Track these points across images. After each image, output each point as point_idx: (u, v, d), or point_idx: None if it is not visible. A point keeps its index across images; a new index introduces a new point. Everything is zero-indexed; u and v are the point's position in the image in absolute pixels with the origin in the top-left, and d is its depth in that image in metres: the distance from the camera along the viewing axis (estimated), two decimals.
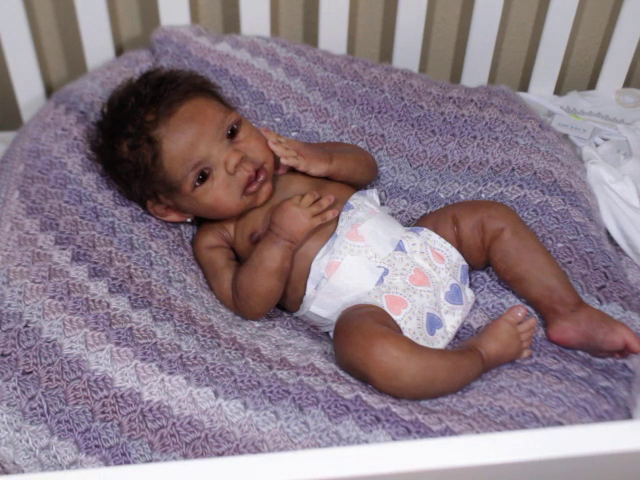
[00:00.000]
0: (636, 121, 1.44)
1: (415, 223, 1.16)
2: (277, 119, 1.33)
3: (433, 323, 1.03)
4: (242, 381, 0.92)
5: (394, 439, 0.86)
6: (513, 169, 1.21)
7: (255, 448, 0.86)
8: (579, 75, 1.62)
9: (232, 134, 1.10)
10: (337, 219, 1.09)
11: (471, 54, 1.48)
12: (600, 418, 0.91)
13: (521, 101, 1.35)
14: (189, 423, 0.88)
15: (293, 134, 1.32)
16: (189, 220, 1.18)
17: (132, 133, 1.09)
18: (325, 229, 1.08)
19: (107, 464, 0.86)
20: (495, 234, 1.07)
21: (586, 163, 1.29)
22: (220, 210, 1.11)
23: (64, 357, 0.92)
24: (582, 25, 1.54)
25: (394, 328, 0.99)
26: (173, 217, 1.16)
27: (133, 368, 0.91)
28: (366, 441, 0.86)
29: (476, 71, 1.50)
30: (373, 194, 1.17)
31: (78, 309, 0.96)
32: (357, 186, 1.20)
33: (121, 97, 1.13)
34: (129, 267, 1.06)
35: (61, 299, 0.97)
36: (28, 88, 1.41)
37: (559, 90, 1.60)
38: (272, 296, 1.07)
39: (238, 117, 1.12)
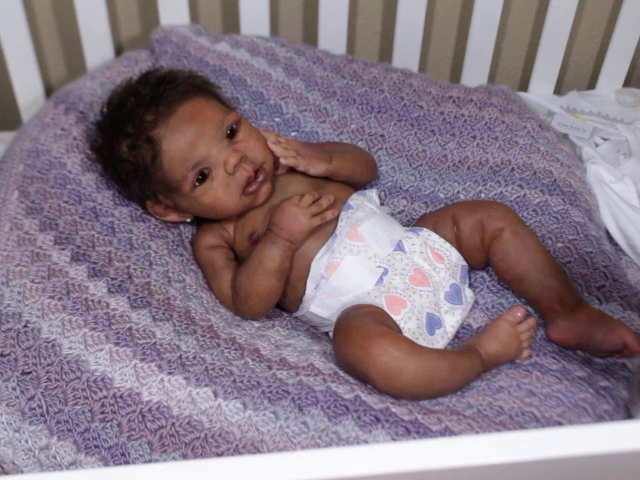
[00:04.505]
0: (636, 121, 1.44)
1: (415, 223, 1.16)
2: (276, 119, 1.33)
3: (433, 323, 1.03)
4: (241, 381, 0.92)
5: (393, 439, 0.86)
6: (513, 169, 1.21)
7: (254, 448, 0.86)
8: (579, 75, 1.62)
9: (231, 134, 1.10)
10: (337, 219, 1.09)
11: (471, 54, 1.48)
12: (600, 418, 0.91)
13: (521, 101, 1.35)
14: (188, 423, 0.88)
15: (292, 134, 1.32)
16: (188, 220, 1.18)
17: (131, 133, 1.09)
18: (325, 229, 1.08)
19: (106, 464, 0.86)
20: (495, 234, 1.07)
21: (586, 163, 1.29)
22: (219, 210, 1.11)
23: (63, 357, 0.91)
24: (582, 25, 1.54)
25: (394, 328, 0.99)
26: (173, 217, 1.16)
27: (132, 368, 0.91)
28: (365, 441, 0.86)
29: (476, 71, 1.50)
30: (373, 194, 1.17)
31: (77, 309, 0.96)
32: (357, 186, 1.20)
33: (120, 97, 1.13)
34: (128, 267, 1.06)
35: (60, 299, 0.97)
36: (28, 88, 1.41)
37: (559, 90, 1.60)
38: (271, 296, 1.07)
39: (237, 117, 1.12)
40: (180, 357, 0.94)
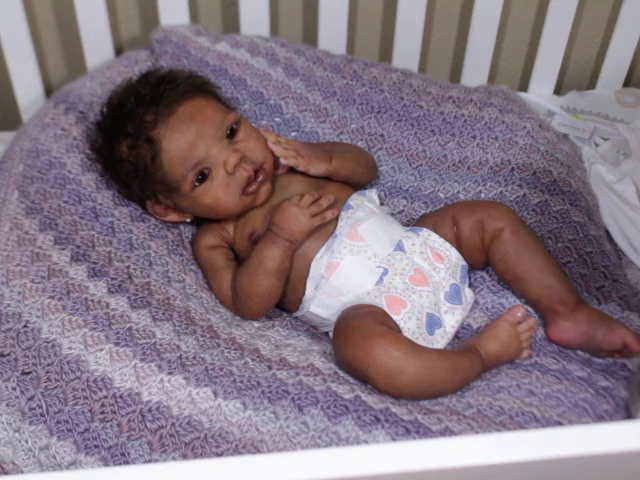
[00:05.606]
0: (636, 121, 1.44)
1: (415, 223, 1.16)
2: (276, 119, 1.33)
3: (432, 323, 1.03)
4: (241, 381, 0.92)
5: (393, 439, 0.86)
6: (513, 169, 1.21)
7: (254, 448, 0.86)
8: (579, 75, 1.62)
9: (231, 134, 1.10)
10: (337, 219, 1.09)
11: (471, 54, 1.48)
12: (600, 418, 0.91)
13: (521, 101, 1.35)
14: (188, 423, 0.88)
15: (292, 134, 1.32)
16: (188, 220, 1.18)
17: (131, 133, 1.09)
18: (324, 229, 1.08)
19: (106, 464, 0.86)
20: (495, 234, 1.07)
21: (586, 163, 1.29)
22: (219, 210, 1.11)
23: (63, 357, 0.91)
24: (581, 25, 1.54)
25: (394, 328, 0.99)
26: (172, 217, 1.16)
27: (132, 368, 0.91)
28: (365, 441, 0.86)
29: (476, 71, 1.50)
30: (373, 194, 1.17)
31: (77, 309, 0.96)
32: (357, 186, 1.20)
33: (120, 97, 1.13)
34: (128, 267, 1.06)
35: (60, 299, 0.97)
36: (28, 88, 1.41)
37: (559, 90, 1.60)
38: (271, 296, 1.07)
39: (237, 117, 1.12)
40: (180, 357, 0.94)
